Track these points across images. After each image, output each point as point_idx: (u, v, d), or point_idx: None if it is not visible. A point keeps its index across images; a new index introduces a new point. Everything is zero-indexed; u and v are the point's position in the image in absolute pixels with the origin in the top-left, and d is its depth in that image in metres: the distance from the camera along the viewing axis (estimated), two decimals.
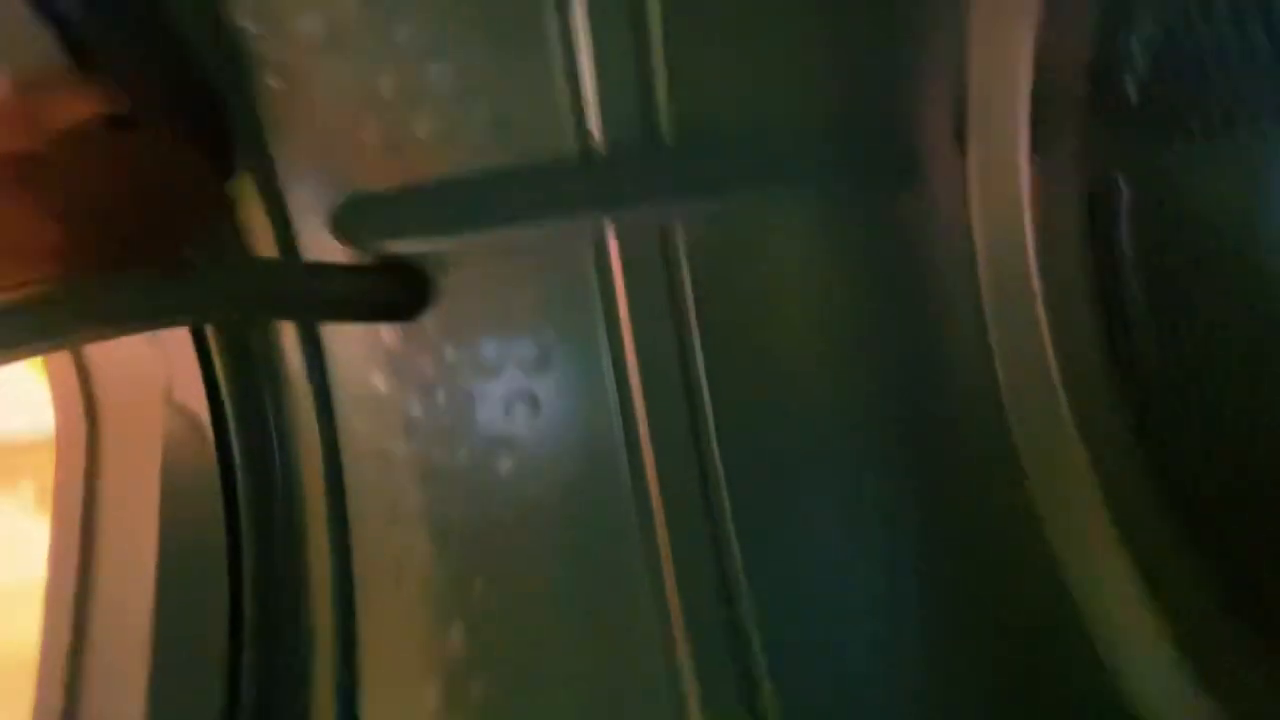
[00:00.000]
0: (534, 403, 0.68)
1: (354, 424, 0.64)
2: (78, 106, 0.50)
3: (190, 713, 0.54)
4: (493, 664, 0.67)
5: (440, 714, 0.66)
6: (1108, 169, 0.60)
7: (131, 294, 0.46)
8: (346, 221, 0.59)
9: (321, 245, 0.61)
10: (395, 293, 0.58)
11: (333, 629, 0.61)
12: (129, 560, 0.54)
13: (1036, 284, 0.69)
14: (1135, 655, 0.64)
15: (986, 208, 0.70)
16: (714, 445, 0.72)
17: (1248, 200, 0.52)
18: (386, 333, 0.62)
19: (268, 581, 0.57)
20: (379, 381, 0.64)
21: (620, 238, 0.71)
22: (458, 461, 0.66)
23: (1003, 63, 0.65)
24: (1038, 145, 0.66)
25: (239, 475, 0.57)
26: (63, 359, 0.56)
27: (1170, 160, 0.55)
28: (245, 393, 0.58)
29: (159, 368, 0.56)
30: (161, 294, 0.49)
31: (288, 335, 0.62)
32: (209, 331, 0.56)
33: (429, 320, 0.63)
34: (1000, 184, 0.68)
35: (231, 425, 0.57)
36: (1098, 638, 0.66)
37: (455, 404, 0.65)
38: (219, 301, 0.53)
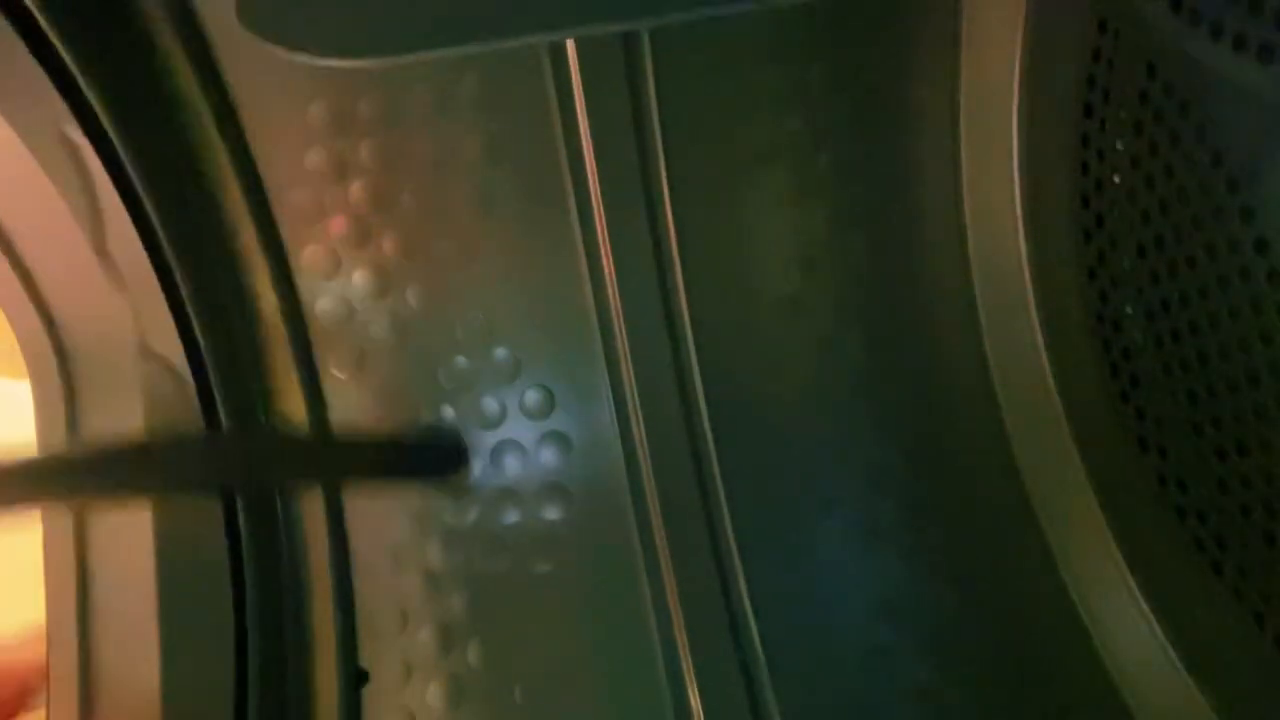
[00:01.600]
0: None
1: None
2: None
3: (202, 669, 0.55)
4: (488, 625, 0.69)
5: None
6: (1119, 21, 0.57)
7: (163, 463, 0.45)
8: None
9: None
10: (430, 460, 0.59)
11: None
12: (124, 519, 0.53)
13: (1016, 145, 0.68)
14: (1120, 633, 0.67)
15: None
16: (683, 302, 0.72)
17: (1256, 136, 0.49)
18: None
19: (263, 534, 0.57)
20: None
21: (580, 49, 0.68)
22: None
23: None
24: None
25: (224, 424, 0.56)
26: (27, 314, 0.53)
27: (1190, 54, 0.52)
28: (223, 340, 0.56)
29: (129, 318, 0.54)
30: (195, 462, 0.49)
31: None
32: (180, 280, 0.53)
33: None
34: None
35: (211, 375, 0.55)
36: (1082, 609, 0.69)
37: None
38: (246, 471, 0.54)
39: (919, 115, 0.69)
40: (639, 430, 0.70)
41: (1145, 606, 0.64)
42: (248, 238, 0.59)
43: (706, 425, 0.70)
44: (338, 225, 0.65)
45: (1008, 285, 0.69)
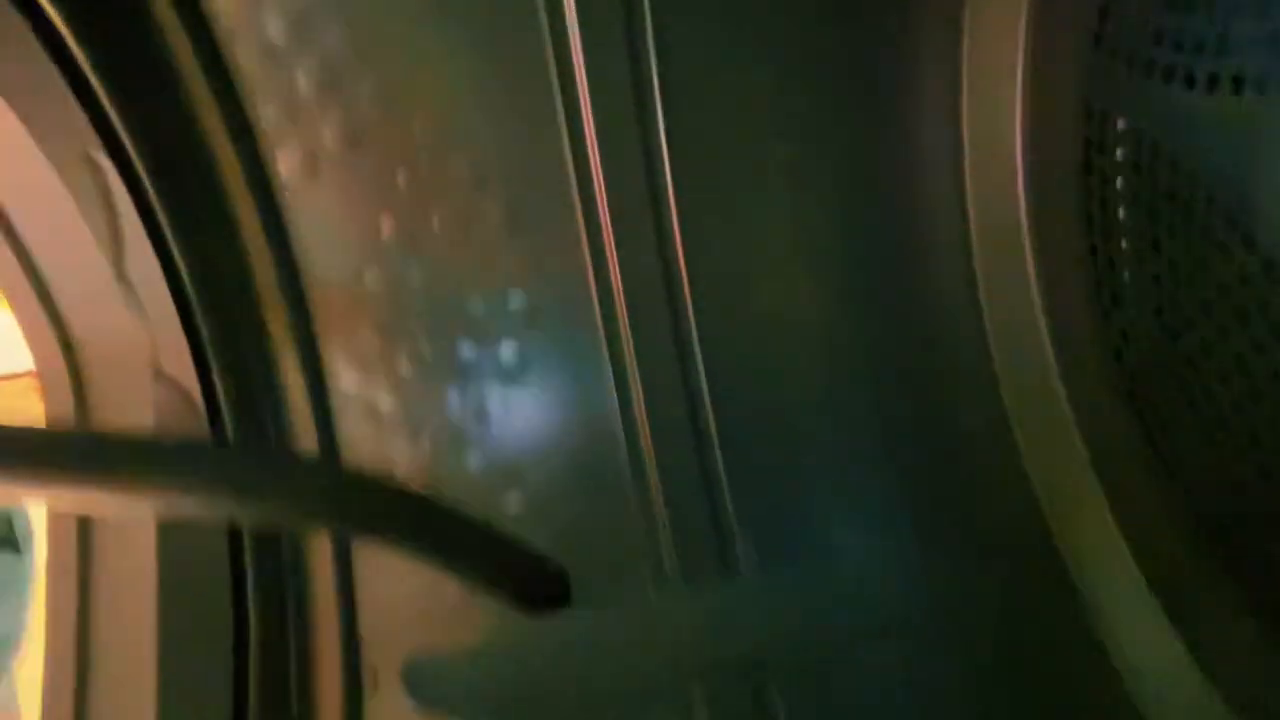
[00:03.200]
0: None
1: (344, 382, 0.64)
2: None
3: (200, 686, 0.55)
4: None
5: None
6: (1107, 103, 0.59)
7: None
8: None
9: None
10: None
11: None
12: (127, 539, 0.54)
13: (1024, 203, 0.69)
14: (1130, 631, 0.67)
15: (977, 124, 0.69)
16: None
17: (1243, 165, 0.51)
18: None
19: (267, 554, 0.58)
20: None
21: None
22: None
23: None
24: (1036, 59, 0.65)
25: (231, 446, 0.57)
26: (44, 334, 0.54)
27: (1172, 109, 0.54)
28: (236, 368, 0.57)
29: (144, 340, 0.55)
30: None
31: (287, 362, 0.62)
32: (195, 305, 0.55)
33: None
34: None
35: (222, 399, 0.56)
36: (1086, 600, 0.69)
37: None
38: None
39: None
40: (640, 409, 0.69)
41: (1150, 594, 0.65)
42: (266, 273, 0.61)
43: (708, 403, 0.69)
44: None
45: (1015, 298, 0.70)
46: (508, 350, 0.65)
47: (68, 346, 0.54)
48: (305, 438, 0.59)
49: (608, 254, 0.65)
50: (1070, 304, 0.67)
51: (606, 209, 0.64)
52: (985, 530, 0.69)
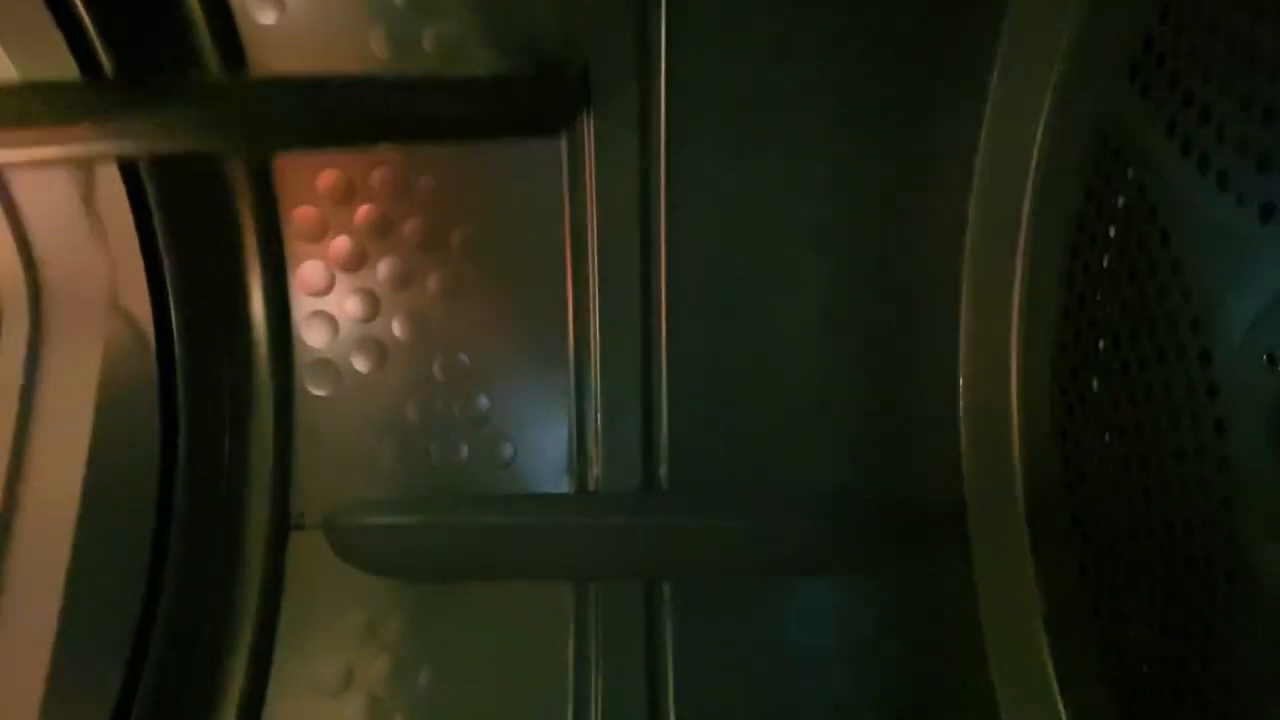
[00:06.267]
0: None
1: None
2: None
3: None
4: None
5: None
6: (1121, 142, 0.58)
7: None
8: None
9: None
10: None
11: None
12: (60, 465, 0.54)
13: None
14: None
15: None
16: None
17: (1231, 281, 0.50)
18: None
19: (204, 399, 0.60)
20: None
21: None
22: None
23: None
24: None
25: (180, 389, 0.58)
26: (9, 249, 0.55)
27: (1182, 186, 0.53)
28: (195, 309, 0.58)
29: (106, 269, 0.55)
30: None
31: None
32: (163, 249, 0.56)
33: None
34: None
35: (177, 343, 0.57)
36: None
37: None
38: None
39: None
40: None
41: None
42: (247, 233, 0.62)
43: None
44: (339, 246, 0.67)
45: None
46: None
47: (30, 264, 0.54)
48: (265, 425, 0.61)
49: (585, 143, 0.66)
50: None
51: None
52: (912, 504, 0.70)
